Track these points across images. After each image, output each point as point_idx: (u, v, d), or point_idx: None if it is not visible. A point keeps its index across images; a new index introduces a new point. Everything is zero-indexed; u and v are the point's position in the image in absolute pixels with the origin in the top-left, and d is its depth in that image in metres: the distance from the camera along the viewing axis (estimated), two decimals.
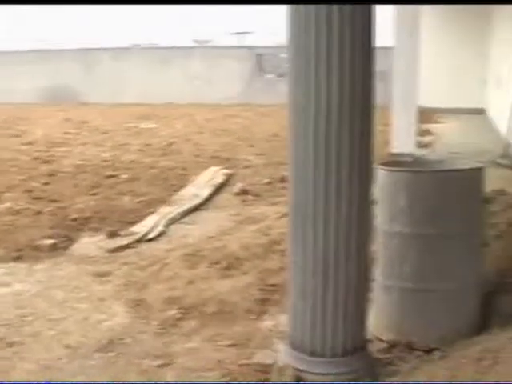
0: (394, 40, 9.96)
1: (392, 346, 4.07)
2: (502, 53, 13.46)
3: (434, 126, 13.76)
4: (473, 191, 4.09)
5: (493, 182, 7.92)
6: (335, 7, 3.12)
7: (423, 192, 3.95)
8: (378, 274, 4.20)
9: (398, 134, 9.89)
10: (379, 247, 4.17)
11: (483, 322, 4.20)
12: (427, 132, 12.59)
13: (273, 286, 5.12)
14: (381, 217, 4.16)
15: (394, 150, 9.77)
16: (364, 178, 3.39)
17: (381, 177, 4.11)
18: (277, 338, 4.19)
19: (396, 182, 4.02)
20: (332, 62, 3.17)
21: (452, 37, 16.31)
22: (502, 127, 11.12)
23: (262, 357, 3.97)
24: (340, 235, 3.34)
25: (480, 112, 15.84)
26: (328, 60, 3.17)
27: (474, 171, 4.13)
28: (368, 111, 3.35)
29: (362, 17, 3.23)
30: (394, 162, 4.58)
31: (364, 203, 3.42)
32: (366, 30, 3.27)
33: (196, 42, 27.35)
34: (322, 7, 3.12)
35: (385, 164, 4.23)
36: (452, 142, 11.69)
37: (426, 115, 14.32)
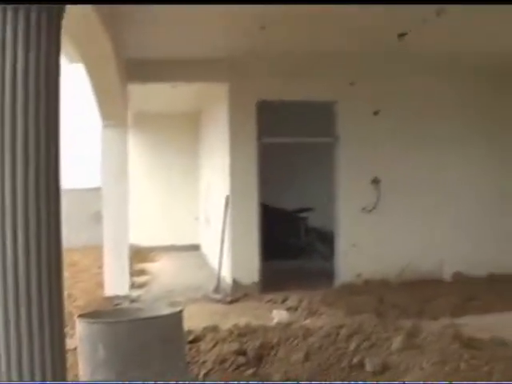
0: (102, 181, 10.08)
1: None
2: (208, 190, 14.16)
3: (150, 265, 13.90)
4: (170, 335, 4.15)
5: (205, 318, 8.17)
6: None
7: (121, 341, 3.93)
8: None
9: (112, 276, 9.83)
10: None
11: None
12: (143, 272, 12.67)
13: None
14: (83, 369, 4.06)
15: (109, 293, 9.68)
16: (56, 335, 3.28)
17: (80, 329, 4.03)
18: None
19: (94, 333, 3.96)
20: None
21: (165, 175, 16.84)
22: (215, 262, 11.54)
23: None
24: None
25: (196, 248, 16.35)
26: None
27: (171, 316, 4.21)
28: (57, 269, 3.28)
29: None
30: (94, 313, 4.51)
31: (58, 362, 3.29)
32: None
33: None
34: None
35: (84, 316, 4.17)
36: (168, 280, 11.86)
37: (142, 254, 14.49)
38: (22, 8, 3.13)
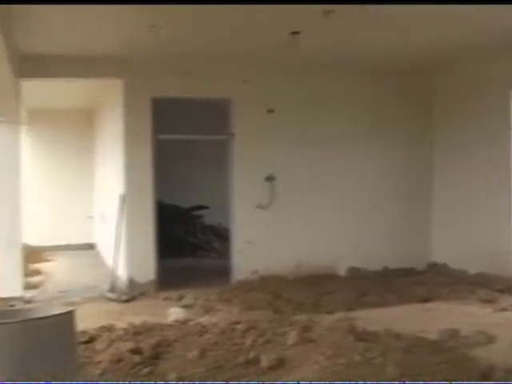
0: None
1: None
2: (103, 188, 14.01)
3: (44, 264, 13.59)
4: (62, 335, 4.09)
5: (101, 317, 8.09)
6: None
7: (12, 342, 3.85)
8: None
9: (5, 277, 9.54)
10: None
11: None
12: (37, 272, 12.37)
13: None
14: None
15: (2, 294, 9.40)
16: None
17: None
18: None
19: None
20: None
21: (59, 173, 16.50)
22: (110, 261, 11.42)
23: None
24: None
25: (91, 247, 16.12)
26: None
27: (62, 316, 4.15)
28: None
29: None
30: None
31: None
32: None
33: None
34: None
35: None
36: (63, 279, 11.64)
37: (36, 254, 14.17)
38: None
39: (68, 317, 4.13)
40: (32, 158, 15.79)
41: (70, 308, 4.27)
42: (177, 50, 9.48)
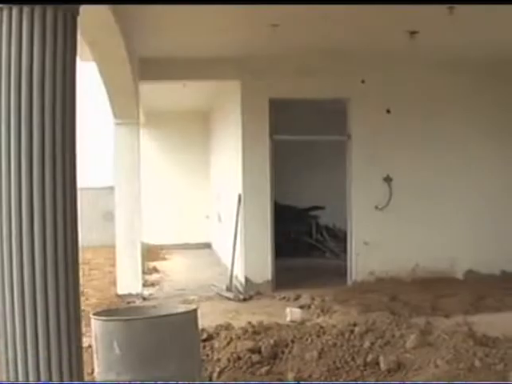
0: (114, 179, 10.07)
1: None
2: (219, 188, 14.19)
3: (161, 263, 13.91)
4: (185, 333, 4.15)
5: (218, 316, 8.18)
6: None
7: (137, 339, 3.93)
8: None
9: (124, 274, 9.82)
10: None
11: None
12: (155, 269, 12.69)
13: None
14: (98, 367, 4.06)
15: (121, 291, 9.69)
16: (73, 333, 3.28)
17: (95, 327, 4.04)
18: None
19: (109, 331, 3.97)
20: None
21: (176, 174, 16.87)
22: (227, 260, 11.55)
23: None
24: None
25: (207, 246, 16.38)
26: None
27: (186, 314, 4.21)
28: (73, 267, 3.29)
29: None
30: (109, 311, 4.52)
31: (74, 359, 3.29)
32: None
33: None
34: None
35: (99, 314, 4.18)
36: (179, 278, 11.89)
37: (154, 252, 14.51)
38: (37, 8, 3.14)
39: (191, 315, 4.19)
40: (151, 159, 16.16)
41: (193, 306, 4.32)
42: (295, 50, 9.49)
